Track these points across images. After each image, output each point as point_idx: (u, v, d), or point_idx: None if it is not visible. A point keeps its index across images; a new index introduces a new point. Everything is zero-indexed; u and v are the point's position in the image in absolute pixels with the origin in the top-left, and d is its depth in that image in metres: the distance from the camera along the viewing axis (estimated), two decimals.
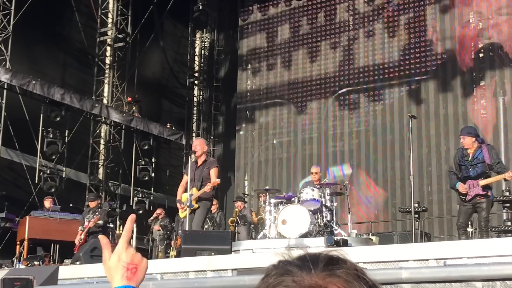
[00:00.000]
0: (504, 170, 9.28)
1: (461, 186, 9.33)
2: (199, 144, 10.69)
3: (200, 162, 10.48)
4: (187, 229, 9.97)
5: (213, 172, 10.27)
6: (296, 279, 1.15)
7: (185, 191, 10.35)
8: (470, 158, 9.46)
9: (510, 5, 17.78)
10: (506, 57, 17.67)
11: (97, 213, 13.49)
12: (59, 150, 18.02)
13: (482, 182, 9.22)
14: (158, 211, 17.34)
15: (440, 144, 18.12)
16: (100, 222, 13.60)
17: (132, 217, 1.83)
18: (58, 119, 17.94)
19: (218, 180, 10.28)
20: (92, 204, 13.75)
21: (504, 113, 17.31)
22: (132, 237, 16.25)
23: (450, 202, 16.91)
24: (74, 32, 20.01)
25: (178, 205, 10.50)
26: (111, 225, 17.34)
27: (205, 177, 10.27)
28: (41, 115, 17.71)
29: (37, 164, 17.61)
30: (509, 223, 14.25)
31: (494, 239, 10.09)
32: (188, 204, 10.03)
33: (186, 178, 10.45)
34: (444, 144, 18.06)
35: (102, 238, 1.82)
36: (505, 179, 9.49)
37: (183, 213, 10.33)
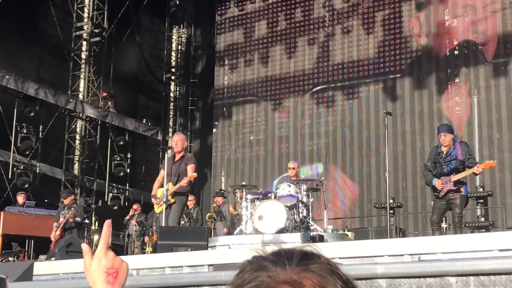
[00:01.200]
0: (474, 165, 9.40)
1: (437, 182, 9.43)
2: (179, 140, 10.68)
3: (177, 157, 10.46)
4: (163, 224, 9.94)
5: (190, 168, 10.26)
6: (271, 274, 1.17)
7: (161, 186, 10.32)
8: (444, 155, 9.56)
9: (485, 3, 17.94)
10: (480, 55, 17.84)
11: (72, 209, 13.42)
12: (33, 145, 17.88)
13: (454, 177, 9.33)
14: (135, 206, 17.28)
15: (415, 140, 18.26)
16: (78, 219, 13.54)
17: (108, 222, 1.81)
18: (32, 114, 17.80)
19: (195, 174, 10.27)
20: (66, 201, 13.69)
21: (478, 111, 17.47)
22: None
23: (424, 198, 17.05)
24: (50, 26, 19.84)
25: (153, 200, 10.48)
26: (87, 221, 17.26)
27: (182, 172, 10.25)
28: (15, 110, 17.56)
29: (11, 159, 17.46)
30: (482, 219, 14.40)
31: (468, 235, 10.20)
32: (164, 199, 10.01)
33: (163, 173, 10.42)
34: (419, 140, 18.20)
35: (83, 245, 1.81)
36: (474, 173, 9.60)
37: (159, 208, 10.31)
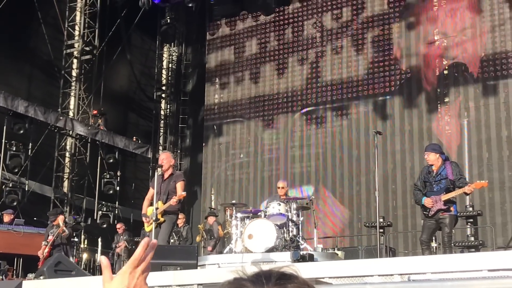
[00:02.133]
0: (465, 185, 9.43)
1: (427, 201, 9.44)
2: (165, 158, 10.63)
3: (166, 175, 10.42)
4: None
5: (180, 185, 10.21)
6: None
7: (151, 204, 10.28)
8: (434, 174, 9.60)
9: (474, 25, 18.09)
10: (470, 76, 17.95)
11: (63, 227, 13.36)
12: (22, 163, 17.83)
13: (444, 196, 9.35)
14: (118, 225, 17.22)
15: (405, 159, 18.31)
16: (66, 231, 13.46)
17: (145, 240, 1.74)
18: (21, 131, 17.76)
19: (184, 193, 10.23)
20: (56, 222, 13.60)
21: (467, 131, 17.55)
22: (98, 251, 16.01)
23: (414, 217, 17.06)
24: (41, 44, 19.85)
25: (143, 219, 10.43)
26: (76, 239, 17.20)
27: (171, 190, 10.22)
28: (5, 127, 17.52)
29: (0, 177, 17.39)
30: (472, 239, 14.43)
31: (457, 255, 10.21)
32: (153, 218, 9.97)
33: (152, 191, 10.37)
34: (409, 159, 18.25)
35: (103, 259, 1.78)
36: (465, 193, 9.62)
37: (149, 227, 10.26)
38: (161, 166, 10.47)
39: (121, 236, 16.60)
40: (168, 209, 10.09)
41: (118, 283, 1.65)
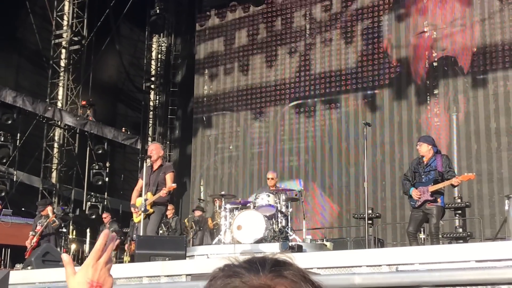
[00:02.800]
0: (452, 177, 9.46)
1: (414, 192, 9.48)
2: (154, 149, 10.61)
3: (155, 166, 10.40)
4: (141, 234, 9.89)
5: (169, 177, 10.20)
6: (245, 280, 1.18)
7: (140, 195, 10.27)
8: (424, 165, 9.63)
9: (464, 16, 18.11)
10: (459, 69, 17.99)
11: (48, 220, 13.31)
12: (11, 153, 17.74)
13: (431, 187, 9.38)
14: (104, 215, 17.14)
15: (394, 151, 18.34)
16: (57, 221, 13.41)
17: (105, 232, 1.77)
18: (10, 122, 17.67)
19: (174, 185, 10.22)
20: (44, 213, 13.55)
21: (456, 123, 17.61)
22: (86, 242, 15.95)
23: (403, 208, 17.11)
24: (29, 34, 19.73)
25: (132, 209, 10.42)
26: (64, 230, 17.14)
27: (161, 182, 10.20)
28: None
29: None
30: (460, 230, 14.49)
31: (445, 246, 10.25)
32: (142, 208, 9.95)
33: (141, 183, 10.35)
34: (398, 151, 18.28)
35: (64, 256, 1.76)
36: (452, 185, 9.65)
37: (138, 218, 10.25)
38: (150, 157, 10.44)
39: (107, 225, 16.50)
40: (157, 200, 10.09)
41: (81, 277, 1.64)
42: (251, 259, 1.23)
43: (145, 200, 10.02)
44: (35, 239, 13.00)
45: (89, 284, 1.66)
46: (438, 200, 9.44)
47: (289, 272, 1.20)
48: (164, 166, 10.50)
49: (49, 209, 13.63)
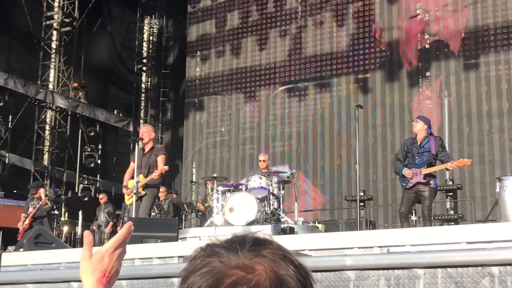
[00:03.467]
0: (447, 160, 9.47)
1: (407, 171, 9.48)
2: (146, 131, 10.59)
3: (147, 149, 10.40)
4: (133, 216, 9.90)
5: (161, 159, 10.21)
6: (223, 260, 1.19)
7: (132, 178, 10.27)
8: (417, 146, 9.63)
9: (456, 0, 18.09)
10: (450, 52, 17.99)
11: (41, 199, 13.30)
12: (2, 135, 17.69)
13: (425, 170, 9.39)
14: (101, 196, 17.11)
15: (386, 133, 18.37)
16: (49, 204, 13.39)
17: (129, 223, 1.75)
18: (1, 104, 17.62)
19: (166, 167, 10.23)
20: (37, 195, 13.52)
21: (448, 105, 17.64)
22: (78, 224, 15.95)
23: (395, 190, 17.17)
24: (20, 15, 19.60)
25: (124, 190, 10.42)
26: (57, 212, 17.14)
27: (152, 164, 10.20)
28: None
29: None
30: (452, 212, 14.56)
31: (437, 228, 10.30)
32: (134, 191, 9.96)
33: (133, 165, 10.37)
34: (389, 133, 18.31)
35: (87, 234, 1.77)
36: (447, 169, 9.66)
37: (129, 200, 10.26)
38: (142, 139, 10.43)
39: (103, 206, 16.49)
40: (149, 183, 10.09)
41: (96, 263, 1.65)
42: (231, 239, 1.24)
43: (137, 182, 10.03)
44: (27, 221, 12.99)
45: (102, 272, 1.67)
46: (431, 182, 9.46)
47: (268, 251, 1.20)
48: (156, 148, 10.51)
49: (41, 191, 13.61)
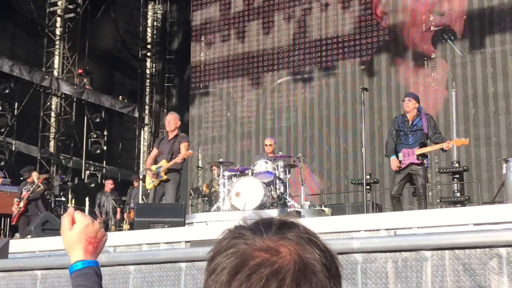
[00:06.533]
0: (442, 141, 9.39)
1: (395, 161, 9.43)
2: (172, 119, 10.91)
3: (171, 136, 10.76)
4: (151, 200, 10.13)
5: (184, 146, 10.56)
6: (248, 242, 1.19)
7: (155, 163, 10.63)
8: (410, 124, 9.55)
9: None
10: (456, 33, 17.89)
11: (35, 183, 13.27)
12: (9, 123, 17.72)
13: (418, 151, 9.32)
14: (108, 181, 17.11)
15: (392, 116, 18.20)
16: (41, 186, 13.35)
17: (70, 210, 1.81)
18: (7, 91, 17.62)
19: (191, 151, 10.82)
20: (30, 180, 13.49)
21: (454, 87, 17.58)
22: (84, 211, 16.02)
23: None
24: (23, 2, 19.57)
25: (148, 172, 10.70)
26: (63, 199, 17.19)
27: (175, 151, 10.53)
28: None
29: None
30: (458, 194, 14.53)
31: (443, 209, 10.28)
32: (157, 171, 10.38)
33: (156, 151, 10.78)
34: (395, 116, 18.21)
35: (71, 209, 1.81)
36: (442, 149, 9.54)
37: (150, 184, 10.49)
38: (164, 128, 10.95)
39: (108, 195, 16.51)
40: (172, 167, 10.38)
41: (80, 232, 1.71)
42: (258, 221, 1.24)
43: (159, 167, 10.40)
44: (22, 204, 13.01)
45: (87, 241, 1.70)
46: (424, 161, 9.42)
47: (294, 234, 1.20)
48: (180, 136, 10.87)
49: (34, 174, 13.61)
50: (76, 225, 1.74)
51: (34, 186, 13.21)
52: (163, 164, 10.38)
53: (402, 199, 10.16)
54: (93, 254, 1.75)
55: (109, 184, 16.82)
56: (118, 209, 16.11)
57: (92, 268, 1.74)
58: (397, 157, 9.50)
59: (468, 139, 10.19)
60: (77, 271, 1.73)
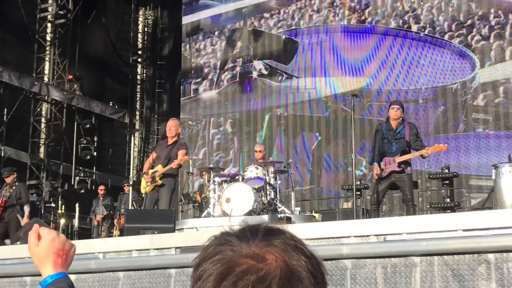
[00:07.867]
0: (421, 148, 9.42)
1: (375, 169, 9.46)
2: (173, 125, 10.94)
3: (171, 142, 10.76)
4: (146, 206, 10.16)
5: (181, 153, 10.58)
6: (235, 249, 1.19)
7: (152, 167, 10.70)
8: (394, 132, 9.57)
9: None
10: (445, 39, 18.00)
11: (13, 188, 13.12)
12: None
13: (399, 158, 9.34)
14: (100, 187, 17.09)
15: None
16: (23, 201, 13.11)
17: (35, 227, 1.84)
18: None
19: (187, 157, 10.84)
20: (8, 180, 13.30)
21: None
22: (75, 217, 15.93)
23: None
24: (14, 8, 19.52)
25: (144, 176, 10.75)
26: (53, 205, 17.14)
27: (173, 156, 10.55)
28: None
29: None
30: (448, 200, 14.56)
31: (433, 215, 10.32)
32: (153, 175, 10.43)
33: (154, 155, 10.88)
34: (379, 122, 18.17)
35: (36, 225, 1.82)
36: (422, 156, 9.55)
37: (144, 188, 10.55)
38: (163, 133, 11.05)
39: (100, 200, 16.49)
40: (167, 172, 10.43)
41: (47, 247, 1.72)
42: (244, 228, 1.24)
43: (155, 172, 10.46)
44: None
45: (56, 254, 1.71)
46: (408, 168, 9.45)
47: (280, 241, 1.20)
48: (179, 142, 10.90)
49: (11, 178, 13.39)
50: (42, 241, 1.76)
51: (7, 188, 13.06)
52: (159, 169, 10.46)
53: (394, 204, 10.19)
54: (63, 266, 1.76)
55: (100, 190, 16.83)
56: (105, 213, 16.11)
57: (62, 280, 1.76)
58: (379, 165, 9.51)
59: (446, 144, 10.20)
60: (48, 286, 1.75)
